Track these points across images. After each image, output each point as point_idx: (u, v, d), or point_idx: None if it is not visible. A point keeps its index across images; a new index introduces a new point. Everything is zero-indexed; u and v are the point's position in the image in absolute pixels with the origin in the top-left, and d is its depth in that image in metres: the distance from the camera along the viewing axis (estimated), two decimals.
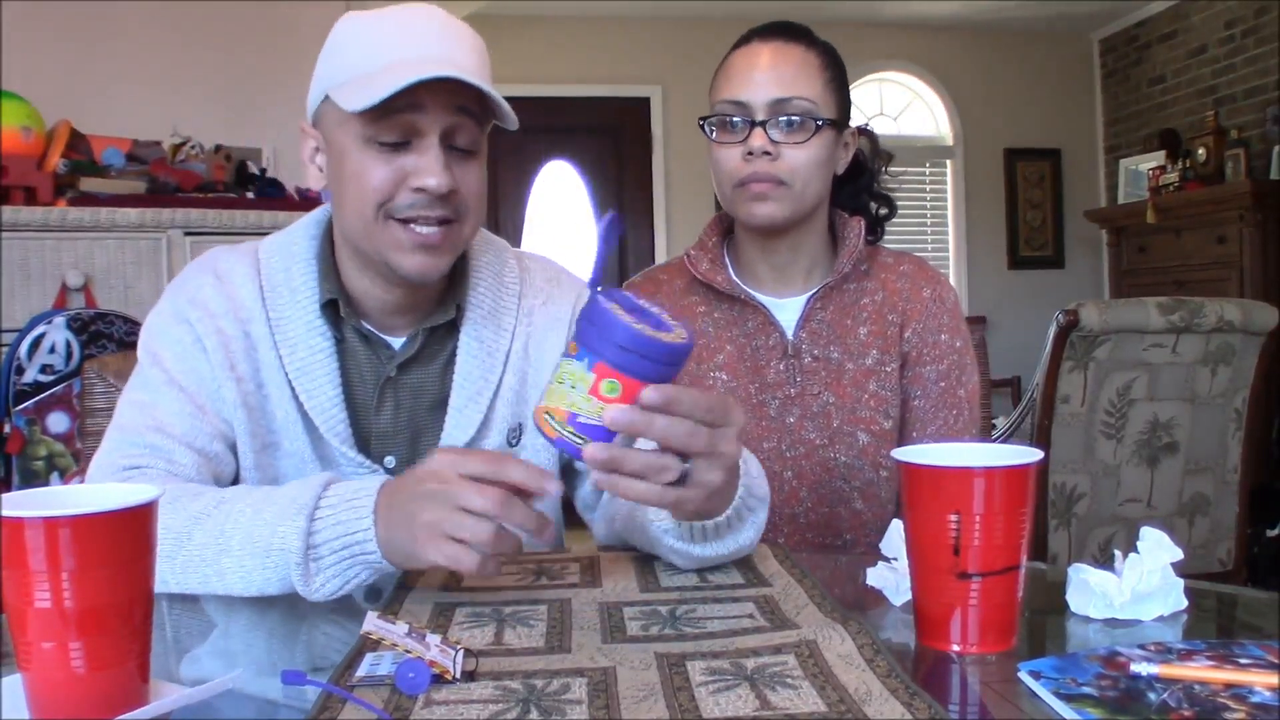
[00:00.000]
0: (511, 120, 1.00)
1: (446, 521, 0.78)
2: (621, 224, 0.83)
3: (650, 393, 0.76)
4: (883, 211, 1.43)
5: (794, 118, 1.25)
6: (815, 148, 1.26)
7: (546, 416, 0.78)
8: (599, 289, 0.79)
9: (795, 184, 1.26)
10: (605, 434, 0.76)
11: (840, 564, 1.10)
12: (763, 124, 1.25)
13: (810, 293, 1.33)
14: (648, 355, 0.75)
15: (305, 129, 1.06)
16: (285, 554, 0.83)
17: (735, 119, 1.27)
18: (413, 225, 0.98)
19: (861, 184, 1.40)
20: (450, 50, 0.98)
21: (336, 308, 1.05)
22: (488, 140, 1.04)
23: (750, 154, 1.25)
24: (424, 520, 0.79)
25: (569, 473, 1.16)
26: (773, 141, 1.25)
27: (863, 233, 1.34)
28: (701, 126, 1.31)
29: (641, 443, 0.79)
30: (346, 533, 0.83)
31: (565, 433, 0.77)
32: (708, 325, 1.35)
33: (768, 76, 1.26)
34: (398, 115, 0.95)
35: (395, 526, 0.81)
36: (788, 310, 1.34)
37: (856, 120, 1.38)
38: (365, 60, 0.97)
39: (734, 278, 1.36)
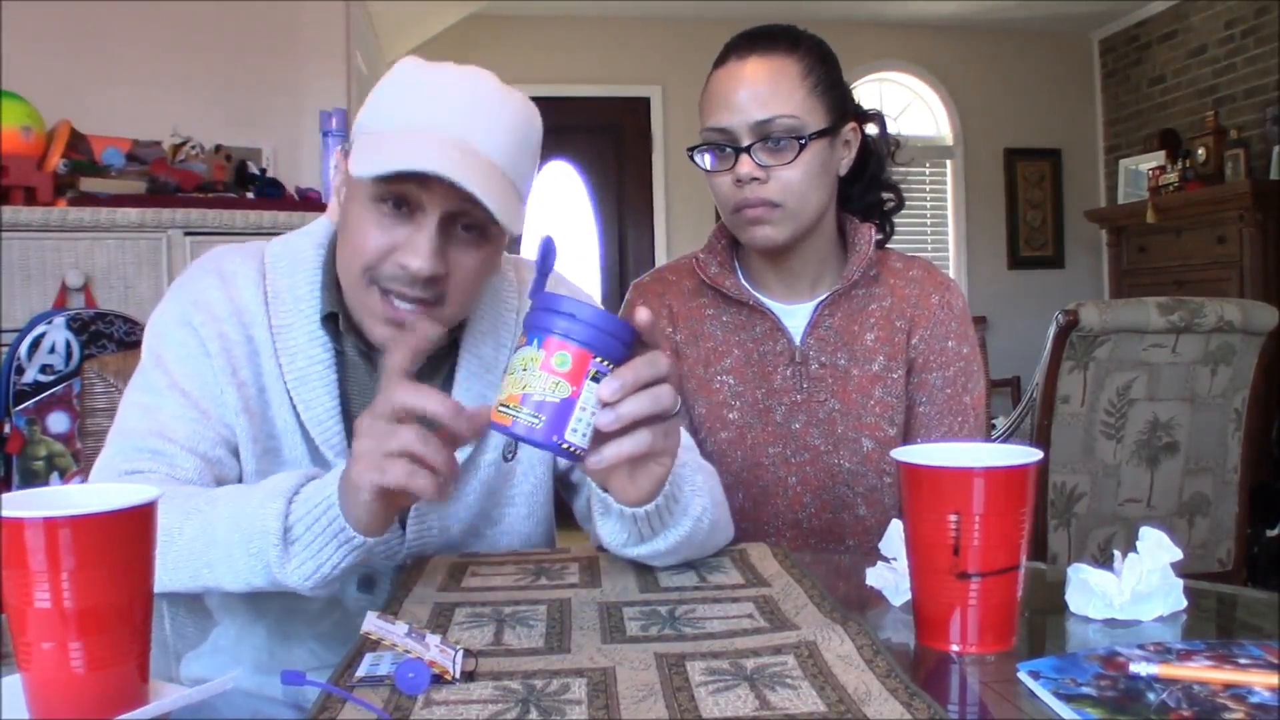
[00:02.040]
0: (514, 231, 0.96)
1: (374, 440, 0.77)
2: (554, 249, 0.84)
3: (651, 360, 0.78)
4: (891, 203, 1.40)
5: (779, 139, 1.23)
6: (805, 164, 1.24)
7: (500, 408, 0.77)
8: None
9: (790, 203, 1.24)
10: (560, 410, 0.76)
11: (840, 564, 1.10)
12: (748, 149, 1.23)
13: (818, 300, 1.32)
14: (598, 325, 0.76)
15: (339, 158, 1.04)
16: (264, 536, 0.82)
17: (722, 146, 1.25)
18: (391, 297, 0.96)
19: (870, 174, 1.37)
20: (483, 130, 0.93)
21: (337, 321, 1.05)
22: None
23: (740, 180, 1.24)
24: (358, 451, 0.78)
25: (567, 484, 1.16)
26: (760, 165, 1.23)
27: (873, 240, 1.33)
28: (691, 157, 1.29)
29: (597, 414, 0.78)
30: (315, 505, 0.82)
31: (520, 415, 0.76)
32: (715, 329, 1.34)
33: (747, 97, 1.23)
34: (400, 184, 0.93)
35: (345, 478, 0.81)
36: (796, 316, 1.33)
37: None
38: (393, 115, 0.95)
39: (742, 282, 1.35)
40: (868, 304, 1.33)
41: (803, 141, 1.23)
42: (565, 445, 0.77)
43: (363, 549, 0.83)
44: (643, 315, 0.80)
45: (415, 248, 0.93)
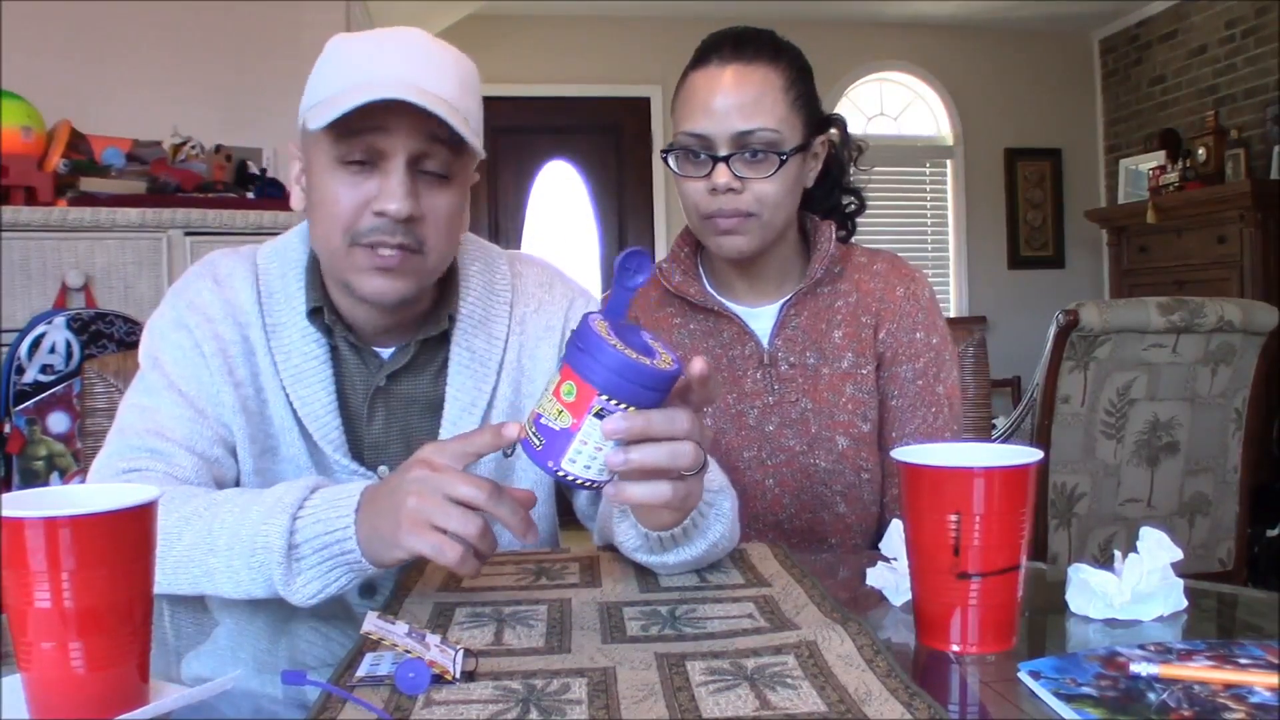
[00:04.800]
0: (478, 151, 0.98)
1: (433, 509, 0.77)
2: (647, 263, 0.79)
3: (670, 416, 0.76)
4: (852, 207, 1.40)
5: (758, 151, 1.22)
6: (782, 179, 1.23)
7: (526, 421, 0.77)
8: (592, 313, 0.78)
9: (764, 214, 1.24)
10: (559, 438, 0.75)
11: (839, 564, 1.10)
12: (726, 159, 1.22)
13: (784, 300, 1.32)
14: (606, 364, 0.74)
15: (292, 150, 1.06)
16: (268, 553, 0.82)
17: (698, 152, 1.24)
18: (373, 249, 0.97)
19: (831, 179, 1.36)
20: (427, 74, 0.95)
21: (323, 315, 1.05)
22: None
23: (715, 189, 1.23)
24: (410, 507, 0.78)
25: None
26: (738, 177, 1.22)
27: (834, 236, 1.32)
28: (665, 159, 1.28)
29: (606, 452, 0.76)
30: (327, 530, 0.82)
31: (529, 431, 0.76)
32: (683, 337, 1.33)
33: (729, 106, 1.21)
34: (362, 136, 0.94)
35: (379, 516, 0.81)
36: (762, 319, 1.32)
37: (843, 111, 1.35)
38: (339, 79, 0.96)
39: (707, 289, 1.34)
40: (833, 301, 1.32)
41: (783, 157, 1.22)
42: (561, 472, 0.76)
43: (370, 573, 0.84)
44: (698, 367, 0.78)
45: (389, 193, 0.95)
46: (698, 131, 1.23)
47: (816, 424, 1.29)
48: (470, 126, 0.97)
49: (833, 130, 1.34)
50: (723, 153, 1.22)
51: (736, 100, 1.22)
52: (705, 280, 1.36)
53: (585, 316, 0.77)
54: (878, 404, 1.31)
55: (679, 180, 1.27)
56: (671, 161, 1.27)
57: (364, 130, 0.94)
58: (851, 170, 1.39)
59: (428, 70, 0.96)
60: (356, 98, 0.91)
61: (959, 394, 1.34)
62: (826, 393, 1.30)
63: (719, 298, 1.33)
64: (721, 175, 1.22)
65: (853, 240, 1.42)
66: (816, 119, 1.30)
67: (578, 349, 0.75)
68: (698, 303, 1.32)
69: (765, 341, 1.31)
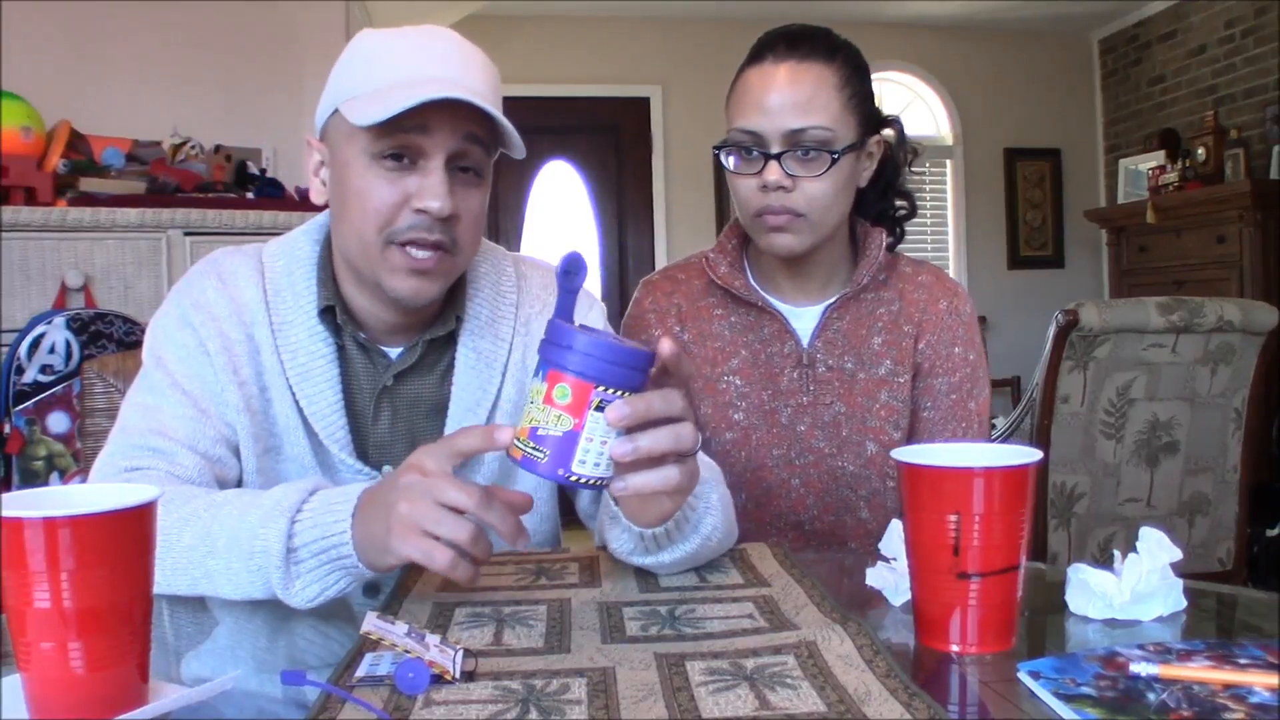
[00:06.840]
0: (519, 149, 0.99)
1: (424, 515, 0.77)
2: (583, 264, 0.80)
3: (665, 397, 0.76)
4: (903, 211, 1.39)
5: (810, 149, 1.21)
6: (834, 178, 1.22)
7: (515, 442, 0.77)
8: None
9: (813, 214, 1.23)
10: (563, 443, 0.74)
11: (841, 563, 1.10)
12: (778, 156, 1.21)
13: (827, 303, 1.31)
14: (597, 355, 0.74)
15: (312, 142, 1.06)
16: (267, 556, 0.82)
17: (750, 149, 1.23)
18: (409, 249, 0.97)
19: (886, 179, 1.35)
20: (464, 74, 0.97)
21: (334, 314, 1.05)
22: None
23: (765, 186, 1.22)
24: (400, 512, 0.78)
25: None
26: (789, 175, 1.21)
27: (884, 245, 1.32)
28: (717, 155, 1.27)
29: (611, 444, 0.76)
30: (324, 535, 0.82)
31: (526, 449, 0.75)
32: (724, 329, 1.33)
33: (782, 103, 1.21)
34: (404, 134, 0.95)
35: (372, 522, 0.80)
36: (804, 319, 1.32)
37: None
38: (378, 76, 0.97)
39: (752, 283, 1.34)
40: (876, 308, 1.32)
41: (835, 155, 1.22)
42: (573, 477, 0.75)
43: (368, 577, 0.84)
44: (665, 346, 0.78)
45: (430, 190, 0.96)
46: (750, 128, 1.23)
47: (848, 428, 1.29)
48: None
49: (888, 130, 1.33)
50: (775, 150, 1.22)
51: (790, 98, 1.21)
52: (750, 274, 1.36)
53: (552, 321, 0.77)
54: (910, 413, 1.31)
55: (731, 176, 1.27)
56: (724, 158, 1.27)
57: (408, 129, 0.94)
58: (905, 173, 1.38)
59: (467, 70, 0.97)
60: (408, 96, 0.91)
61: (988, 412, 1.35)
62: (861, 398, 1.30)
63: (763, 293, 1.33)
64: (772, 173, 1.22)
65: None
66: (872, 118, 1.29)
67: (563, 349, 0.74)
68: (741, 296, 1.32)
69: (805, 341, 1.31)
